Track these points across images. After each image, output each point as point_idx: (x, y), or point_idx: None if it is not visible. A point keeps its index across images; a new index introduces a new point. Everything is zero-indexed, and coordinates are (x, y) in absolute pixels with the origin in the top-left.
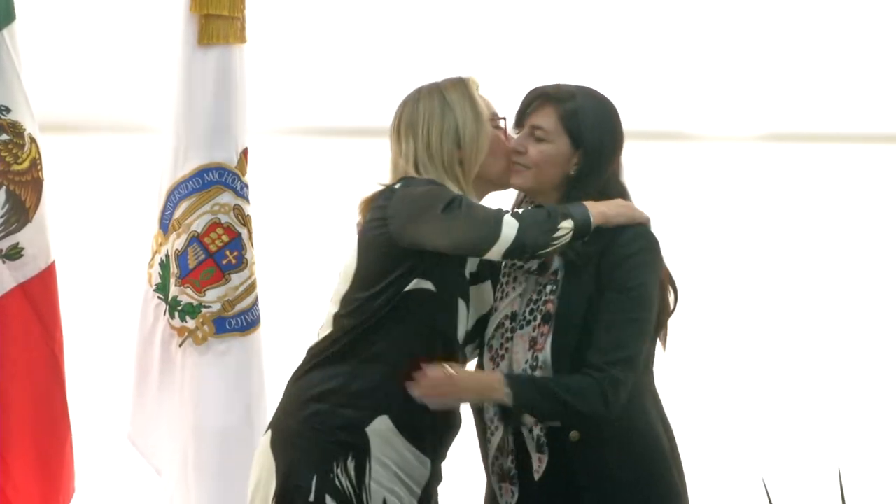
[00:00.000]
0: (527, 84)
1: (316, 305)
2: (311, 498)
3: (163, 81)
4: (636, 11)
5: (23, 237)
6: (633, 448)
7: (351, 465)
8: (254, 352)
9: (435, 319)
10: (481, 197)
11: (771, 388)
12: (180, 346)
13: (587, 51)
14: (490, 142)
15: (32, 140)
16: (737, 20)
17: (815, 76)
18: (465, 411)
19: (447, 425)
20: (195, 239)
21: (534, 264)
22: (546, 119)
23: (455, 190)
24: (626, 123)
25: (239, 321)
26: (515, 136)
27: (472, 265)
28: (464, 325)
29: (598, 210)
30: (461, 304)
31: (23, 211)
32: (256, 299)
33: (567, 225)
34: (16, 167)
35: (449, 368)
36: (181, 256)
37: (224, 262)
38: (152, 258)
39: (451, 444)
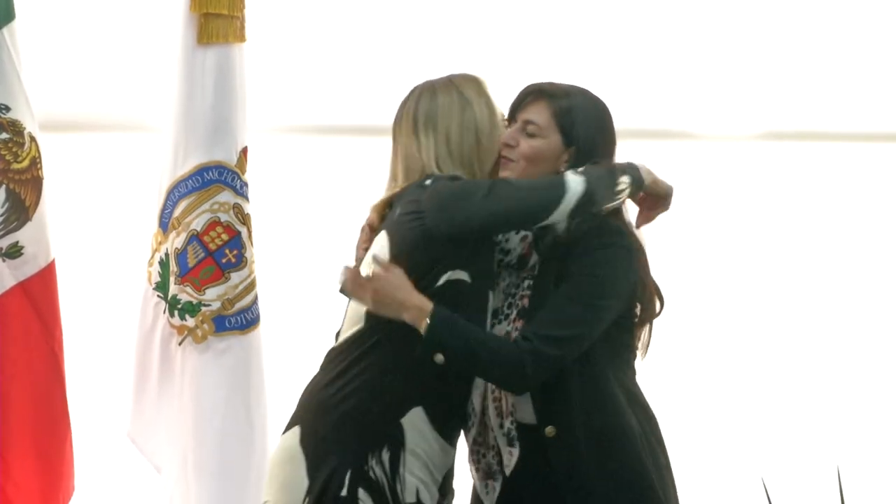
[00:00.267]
0: (527, 82)
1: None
2: (344, 492)
3: (162, 80)
4: (635, 10)
5: (23, 236)
6: (608, 444)
7: (386, 456)
8: (253, 350)
9: (468, 310)
10: None
11: (770, 387)
12: (180, 344)
13: (587, 49)
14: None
15: (32, 139)
16: (736, 19)
17: (814, 75)
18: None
19: (465, 416)
20: (195, 237)
21: (513, 259)
22: (539, 115)
23: None
24: (625, 122)
25: (238, 319)
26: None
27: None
28: (488, 316)
29: (646, 169)
30: (490, 295)
31: (23, 209)
32: (256, 298)
33: (625, 180)
34: (15, 166)
35: (392, 270)
36: (181, 255)
37: (223, 260)
38: (152, 257)
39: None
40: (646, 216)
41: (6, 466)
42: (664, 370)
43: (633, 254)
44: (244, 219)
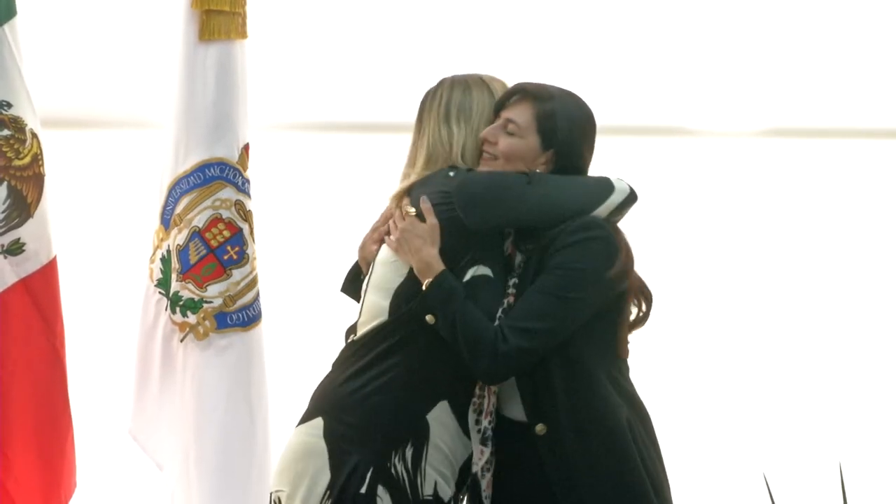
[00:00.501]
0: (527, 80)
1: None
2: (363, 489)
3: (164, 77)
4: (636, 7)
5: (24, 232)
6: (595, 438)
7: (409, 451)
8: (255, 347)
9: (492, 302)
10: None
11: (772, 383)
12: (182, 341)
13: (587, 46)
14: None
15: (34, 135)
16: (736, 16)
17: (815, 72)
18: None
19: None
20: (196, 234)
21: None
22: (521, 115)
23: None
24: (627, 119)
25: (240, 316)
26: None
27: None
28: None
29: None
30: (508, 283)
31: (24, 206)
32: (258, 294)
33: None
34: (17, 162)
35: (428, 222)
36: (182, 252)
37: (225, 257)
38: (153, 253)
39: None
40: None
41: (7, 463)
42: (666, 367)
43: (612, 245)
44: (246, 215)
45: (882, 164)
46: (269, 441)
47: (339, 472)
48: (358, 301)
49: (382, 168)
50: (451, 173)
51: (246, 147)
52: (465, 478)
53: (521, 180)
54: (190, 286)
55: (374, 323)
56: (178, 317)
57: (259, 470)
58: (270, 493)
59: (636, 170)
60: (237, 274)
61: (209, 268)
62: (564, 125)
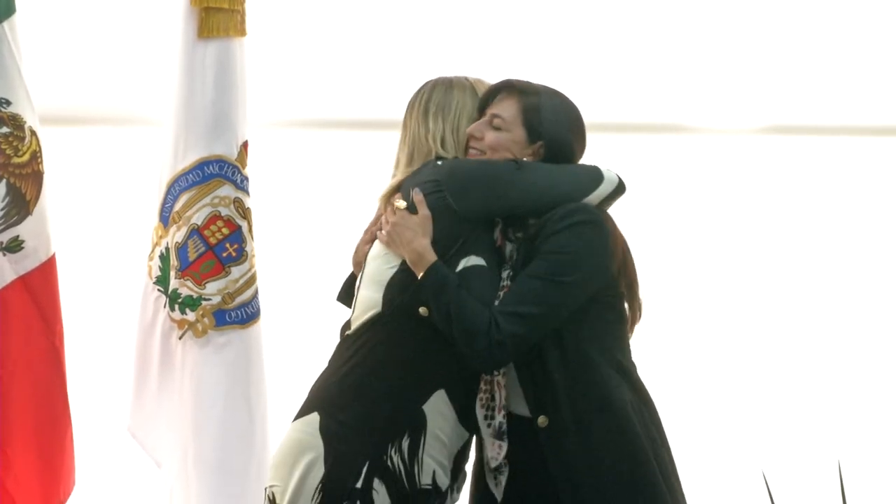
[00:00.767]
0: (525, 77)
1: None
2: (359, 484)
3: (163, 74)
4: (635, 4)
5: (23, 230)
6: (597, 426)
7: (406, 443)
8: (254, 344)
9: (485, 294)
10: None
11: (771, 381)
12: (180, 338)
13: (586, 44)
14: None
15: (33, 133)
16: (735, 13)
17: (814, 69)
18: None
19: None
20: (195, 231)
21: None
22: (507, 109)
23: None
24: (627, 116)
25: (239, 314)
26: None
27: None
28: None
29: None
30: (501, 273)
31: (23, 203)
32: (256, 292)
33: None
34: (16, 160)
35: (420, 214)
36: (181, 249)
37: (224, 254)
38: (152, 251)
39: None
40: None
41: (6, 461)
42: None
43: (603, 229)
44: (245, 213)
45: (881, 161)
46: (267, 438)
47: (333, 466)
48: (351, 307)
49: (381, 165)
50: (439, 162)
51: (245, 144)
52: (458, 466)
53: (510, 167)
54: (189, 283)
55: (368, 315)
56: (176, 314)
57: (257, 467)
58: (265, 489)
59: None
60: (236, 271)
61: (208, 265)
62: (550, 117)
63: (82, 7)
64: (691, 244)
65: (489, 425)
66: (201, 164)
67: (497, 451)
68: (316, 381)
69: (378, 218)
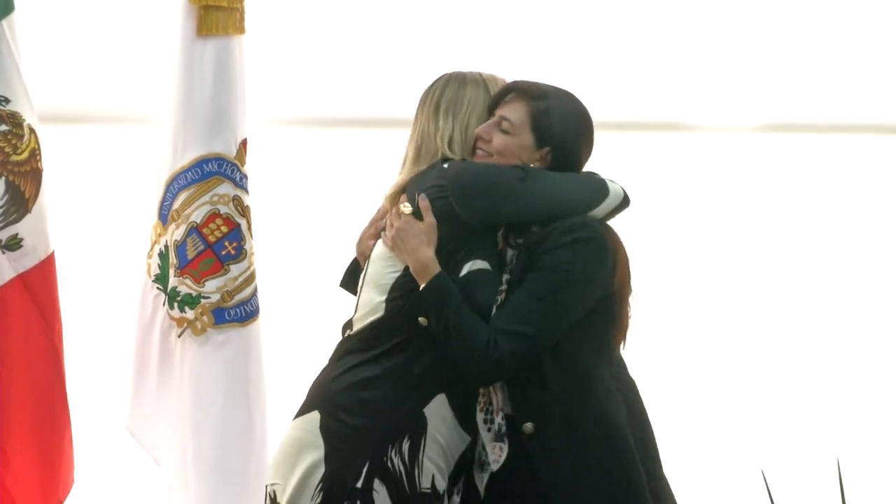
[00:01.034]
0: (526, 75)
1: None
2: (360, 484)
3: (162, 72)
4: (634, 3)
5: (22, 228)
6: (589, 434)
7: (406, 445)
8: (253, 342)
9: (489, 295)
10: None
11: (770, 380)
12: (179, 336)
13: (585, 42)
14: None
15: (32, 131)
16: (734, 11)
17: (812, 67)
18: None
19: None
20: (194, 229)
21: None
22: (515, 113)
23: None
24: (625, 114)
25: (238, 312)
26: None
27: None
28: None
29: None
30: (503, 278)
31: (22, 201)
32: (255, 290)
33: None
34: (15, 158)
35: (426, 220)
36: (180, 247)
37: (223, 252)
38: (151, 249)
39: None
40: None
41: (6, 459)
42: (664, 363)
43: (604, 247)
44: (243, 211)
45: (879, 160)
46: (266, 436)
47: (334, 465)
48: (355, 294)
49: (381, 163)
50: (445, 165)
51: (244, 142)
52: (460, 470)
53: (515, 174)
54: (188, 281)
55: (371, 319)
56: (175, 312)
57: (257, 465)
58: (266, 487)
59: (634, 165)
60: (235, 269)
61: (207, 263)
62: (559, 123)
63: (81, 5)
64: (689, 242)
65: (489, 429)
66: (200, 162)
67: (499, 454)
68: (316, 380)
69: (383, 214)
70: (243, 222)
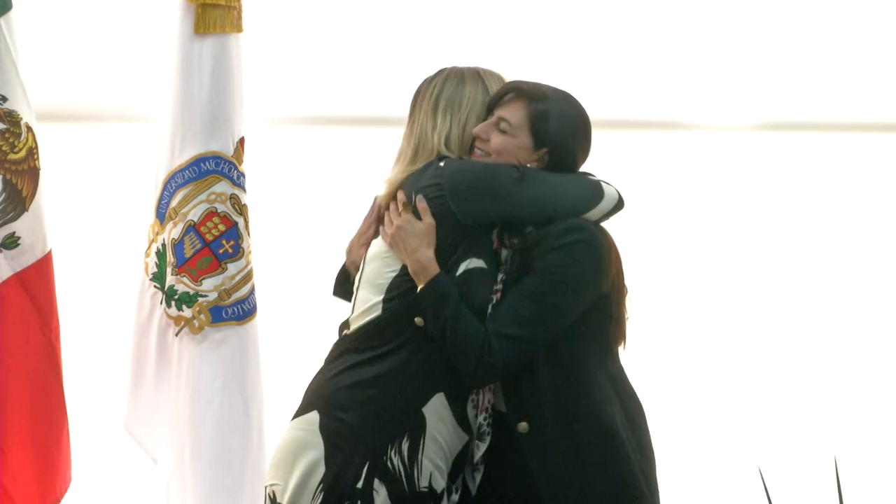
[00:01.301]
0: (523, 73)
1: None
2: (360, 484)
3: (159, 71)
4: (633, 1)
5: (19, 226)
6: (583, 432)
7: (405, 444)
8: (250, 341)
9: (487, 298)
10: None
11: (767, 378)
12: (177, 335)
13: (584, 41)
14: None
15: (29, 129)
16: (732, 10)
17: (811, 66)
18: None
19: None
20: (191, 228)
21: None
22: (513, 114)
23: None
24: (623, 113)
25: (235, 310)
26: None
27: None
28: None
29: None
30: (498, 276)
31: (19, 200)
32: (253, 288)
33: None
34: (12, 156)
35: (424, 220)
36: (177, 245)
37: (220, 251)
38: (149, 247)
39: None
40: None
41: (3, 457)
42: (662, 362)
43: (599, 249)
44: (241, 209)
45: (878, 158)
46: (264, 435)
47: (334, 466)
48: (350, 301)
49: (378, 162)
50: (441, 163)
51: (241, 141)
52: (458, 469)
53: (512, 175)
54: (185, 280)
55: (368, 318)
56: (173, 310)
57: (254, 464)
58: (265, 487)
59: (632, 164)
60: (232, 268)
61: (204, 262)
62: (557, 125)
63: (79, 3)
64: (687, 241)
65: (476, 426)
66: (197, 161)
67: (476, 451)
68: (312, 380)
69: (370, 222)
70: (241, 221)
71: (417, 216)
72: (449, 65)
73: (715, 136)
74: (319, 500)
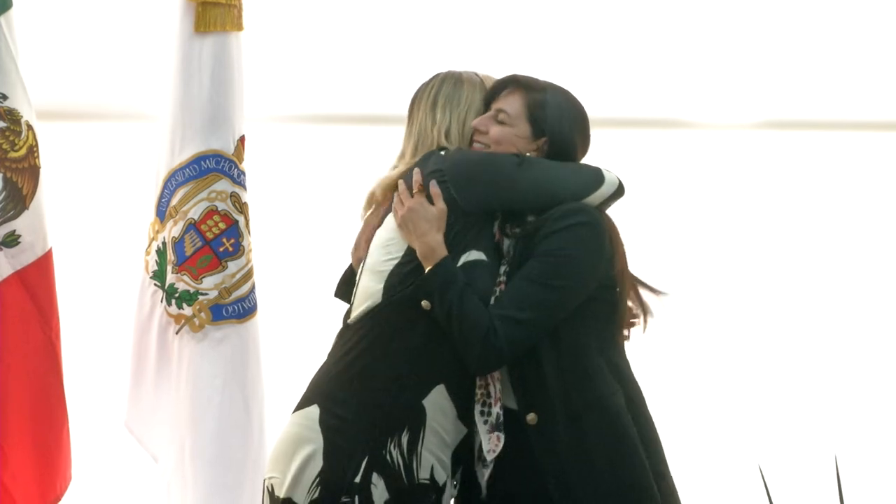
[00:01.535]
0: (523, 72)
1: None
2: (358, 478)
3: (160, 69)
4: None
5: (20, 224)
6: (589, 423)
7: (405, 437)
8: (251, 339)
9: (486, 289)
10: None
11: (768, 376)
12: (177, 333)
13: (585, 39)
14: None
15: (29, 127)
16: (733, 8)
17: (812, 64)
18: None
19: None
20: (192, 226)
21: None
22: (512, 104)
23: None
24: (624, 111)
25: (236, 308)
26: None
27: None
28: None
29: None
30: (500, 268)
31: (20, 198)
32: (253, 286)
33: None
34: (12, 154)
35: (437, 204)
36: (178, 244)
37: (221, 249)
38: (149, 245)
39: None
40: None
41: (3, 455)
42: (663, 360)
43: (600, 230)
44: (241, 207)
45: (878, 157)
46: (264, 433)
47: (332, 459)
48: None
49: (378, 160)
50: (442, 153)
51: (242, 139)
52: (457, 462)
53: (512, 161)
54: (185, 278)
55: (367, 304)
56: (173, 309)
57: (254, 462)
58: (264, 480)
59: (633, 162)
60: (232, 266)
61: (204, 260)
62: (555, 114)
63: (79, 2)
64: (688, 240)
65: (486, 421)
66: (198, 159)
67: (496, 444)
68: (316, 373)
69: (371, 225)
70: (241, 219)
71: (430, 201)
72: (449, 64)
73: (716, 134)
74: (316, 494)
